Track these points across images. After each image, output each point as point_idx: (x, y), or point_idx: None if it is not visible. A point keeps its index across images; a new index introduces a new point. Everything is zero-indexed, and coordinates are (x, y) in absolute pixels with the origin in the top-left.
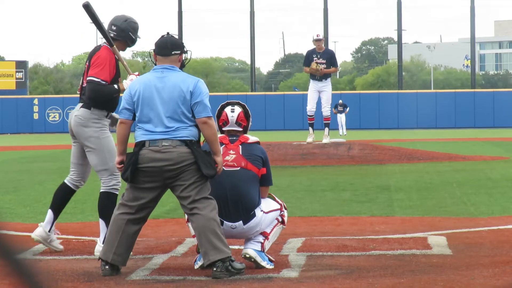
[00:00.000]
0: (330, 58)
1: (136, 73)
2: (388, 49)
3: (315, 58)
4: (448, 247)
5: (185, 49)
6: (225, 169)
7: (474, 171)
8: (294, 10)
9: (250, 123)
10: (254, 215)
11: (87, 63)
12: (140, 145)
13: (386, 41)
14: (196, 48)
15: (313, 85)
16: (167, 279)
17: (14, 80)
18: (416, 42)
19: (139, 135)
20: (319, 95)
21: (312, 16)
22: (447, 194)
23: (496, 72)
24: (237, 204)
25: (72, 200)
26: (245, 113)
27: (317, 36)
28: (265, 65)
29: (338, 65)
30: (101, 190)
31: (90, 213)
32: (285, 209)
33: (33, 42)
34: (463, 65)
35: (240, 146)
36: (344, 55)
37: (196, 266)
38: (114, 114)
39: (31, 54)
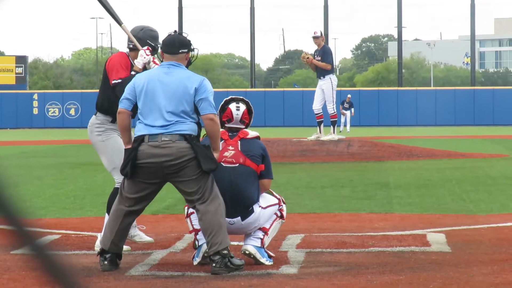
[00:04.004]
0: (322, 54)
1: (145, 47)
2: (388, 46)
3: (315, 56)
4: (447, 244)
5: (192, 47)
6: (224, 165)
7: (473, 168)
8: (294, 6)
9: (252, 119)
10: (252, 211)
11: (103, 73)
12: (139, 140)
13: (386, 38)
14: (196, 44)
15: (318, 83)
16: (166, 274)
17: (14, 75)
18: (416, 40)
19: (138, 129)
20: (322, 89)
21: (312, 12)
22: (446, 192)
23: (495, 70)
24: (236, 200)
25: (71, 195)
26: (249, 110)
27: (314, 33)
28: (265, 61)
29: (330, 62)
30: (115, 186)
31: (89, 208)
32: (284, 203)
33: (33, 37)
34: (463, 62)
35: (239, 142)
36: (344, 52)
37: (195, 262)
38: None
39: (31, 49)
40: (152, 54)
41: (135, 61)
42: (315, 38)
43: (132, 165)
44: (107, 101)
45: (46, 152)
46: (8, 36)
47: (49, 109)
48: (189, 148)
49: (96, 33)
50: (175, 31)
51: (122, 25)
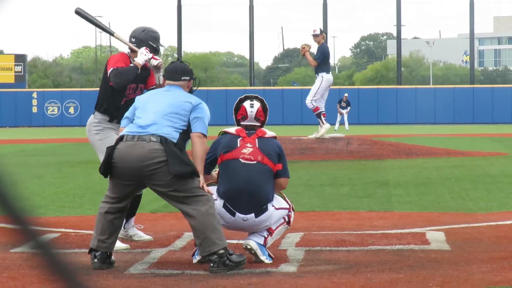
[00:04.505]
0: (317, 51)
1: (144, 47)
2: (387, 45)
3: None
4: (447, 242)
5: (194, 76)
6: (242, 161)
7: (472, 166)
8: (293, 5)
9: (267, 117)
10: (266, 209)
11: (103, 73)
12: (119, 139)
13: (385, 37)
14: (195, 42)
15: None
16: (166, 273)
17: (13, 73)
18: (415, 38)
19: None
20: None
21: (312, 11)
22: (446, 190)
23: (495, 68)
24: (251, 197)
25: (70, 194)
26: (263, 108)
27: (314, 31)
28: (264, 60)
29: (317, 59)
30: None
31: (89, 207)
32: (293, 210)
33: (32, 36)
34: (462, 60)
35: (257, 140)
36: (343, 50)
37: (194, 260)
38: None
39: (30, 47)
40: (155, 55)
41: (136, 58)
42: (314, 36)
43: (107, 163)
44: (106, 101)
45: (45, 151)
46: (7, 34)
47: (48, 108)
48: (161, 150)
49: (95, 32)
50: (178, 59)
51: (115, 34)
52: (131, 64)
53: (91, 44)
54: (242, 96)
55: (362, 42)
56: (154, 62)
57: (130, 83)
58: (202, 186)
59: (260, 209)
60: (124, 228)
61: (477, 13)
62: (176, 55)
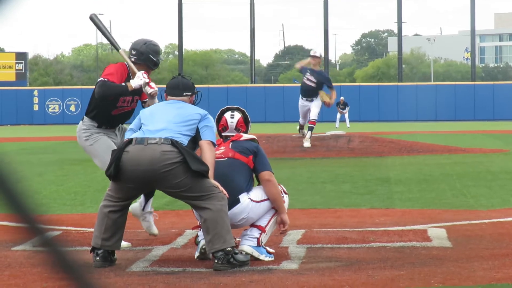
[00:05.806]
0: (322, 80)
1: (142, 71)
2: (388, 42)
3: (307, 73)
4: (448, 239)
5: (195, 91)
6: None
7: (473, 163)
8: (294, 2)
9: (249, 128)
10: (238, 201)
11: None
12: (127, 142)
13: (386, 34)
14: (196, 40)
15: (302, 102)
16: (167, 270)
17: (14, 71)
18: (416, 35)
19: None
20: (309, 108)
21: (312, 8)
22: (447, 187)
23: (496, 65)
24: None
25: (71, 192)
26: (245, 119)
27: (314, 52)
28: (265, 57)
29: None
30: None
31: (90, 204)
32: (286, 193)
33: (33, 34)
34: (463, 57)
35: (231, 143)
36: (344, 47)
37: (197, 254)
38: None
39: (31, 45)
40: (153, 69)
41: (132, 80)
42: (313, 57)
43: (116, 166)
44: (96, 109)
45: (46, 149)
46: (9, 32)
47: (50, 106)
48: (175, 152)
49: (96, 30)
50: (179, 74)
51: (120, 50)
52: (123, 84)
53: (92, 42)
54: (223, 108)
55: (363, 39)
56: (149, 90)
57: (112, 98)
58: (219, 188)
59: (231, 201)
60: (143, 209)
61: (478, 9)
62: (177, 53)
